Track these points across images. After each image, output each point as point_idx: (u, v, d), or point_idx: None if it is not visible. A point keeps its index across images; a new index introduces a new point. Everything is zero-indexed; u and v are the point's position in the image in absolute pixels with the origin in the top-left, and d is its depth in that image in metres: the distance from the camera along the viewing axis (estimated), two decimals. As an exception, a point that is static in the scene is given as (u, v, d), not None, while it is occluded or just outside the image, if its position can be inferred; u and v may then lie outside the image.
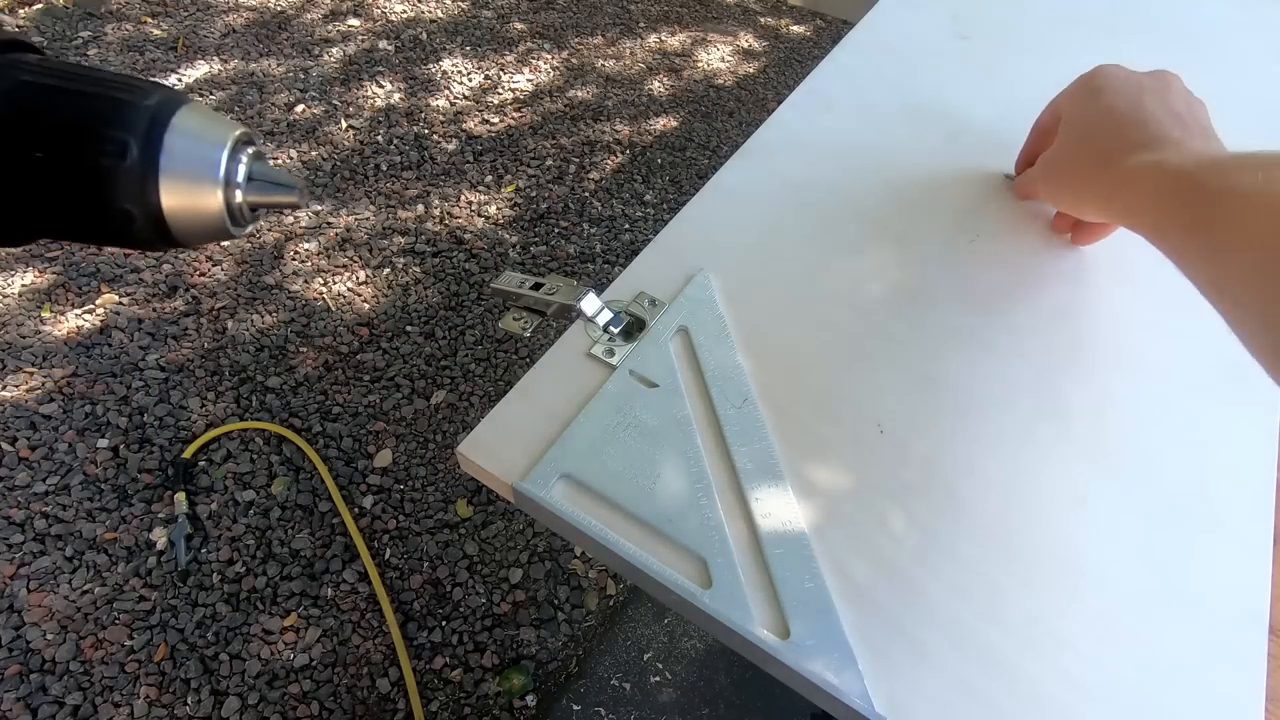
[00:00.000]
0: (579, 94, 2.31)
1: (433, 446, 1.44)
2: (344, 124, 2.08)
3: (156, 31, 2.29)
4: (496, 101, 2.23)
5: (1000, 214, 0.62)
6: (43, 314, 1.56)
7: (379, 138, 2.05)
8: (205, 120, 0.18)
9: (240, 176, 0.19)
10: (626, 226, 1.92)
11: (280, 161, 1.94)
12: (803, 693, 0.39)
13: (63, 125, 0.17)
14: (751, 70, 2.54)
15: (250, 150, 0.20)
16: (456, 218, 1.88)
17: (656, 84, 2.41)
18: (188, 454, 1.36)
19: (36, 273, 1.63)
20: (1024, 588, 0.41)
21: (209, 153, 0.18)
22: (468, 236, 1.83)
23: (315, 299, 1.66)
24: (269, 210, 0.20)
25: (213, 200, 0.18)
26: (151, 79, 0.18)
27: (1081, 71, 0.56)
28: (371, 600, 1.23)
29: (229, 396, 1.47)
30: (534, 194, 1.97)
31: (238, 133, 0.19)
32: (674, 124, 2.26)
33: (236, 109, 2.06)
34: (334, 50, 2.32)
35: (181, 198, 0.18)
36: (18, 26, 2.22)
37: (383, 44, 2.38)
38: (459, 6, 2.62)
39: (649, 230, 1.92)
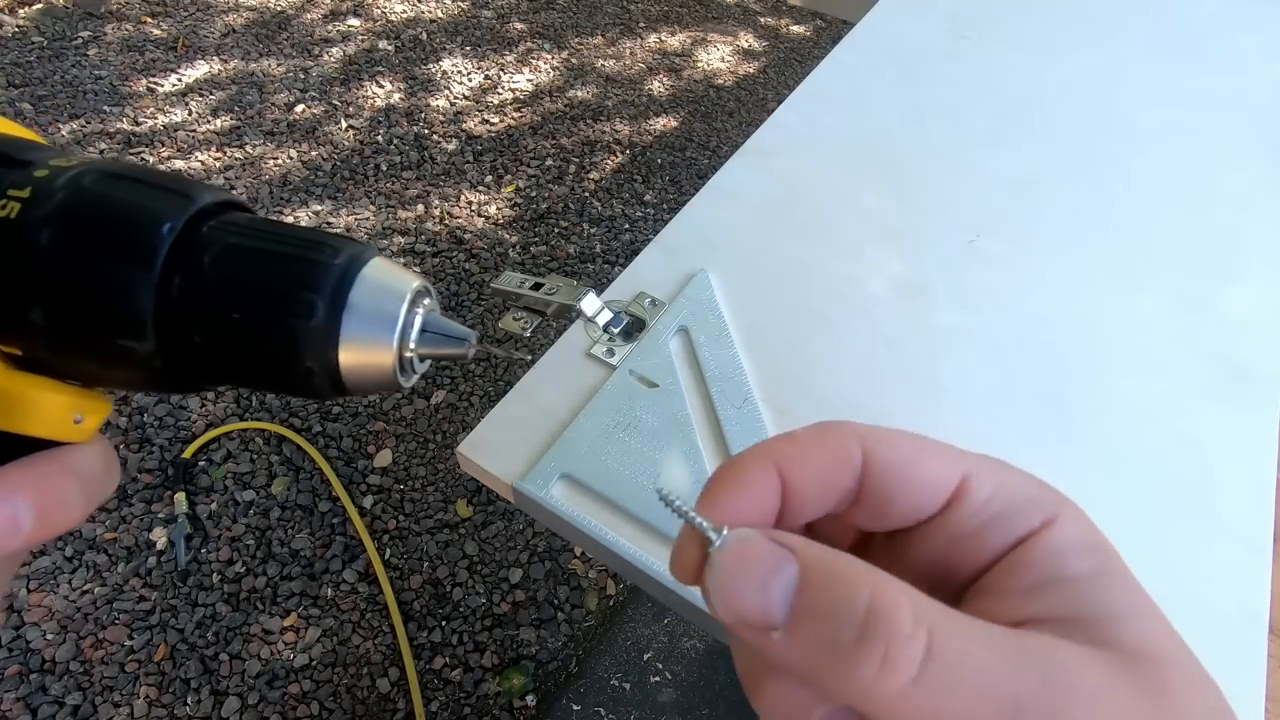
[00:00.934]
0: (579, 94, 2.31)
1: (433, 446, 1.44)
2: (344, 124, 2.08)
3: (156, 31, 2.29)
4: (496, 101, 2.23)
5: (1000, 214, 0.62)
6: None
7: (379, 138, 2.05)
8: (387, 275, 0.19)
9: (415, 330, 0.20)
10: (626, 226, 1.92)
11: (280, 162, 1.94)
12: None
13: (260, 288, 0.18)
14: (751, 70, 2.54)
15: (426, 302, 0.20)
16: (456, 218, 1.88)
17: (656, 84, 2.41)
18: (188, 454, 1.35)
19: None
20: (1024, 588, 0.41)
21: (388, 309, 0.19)
22: (468, 236, 1.83)
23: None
24: (441, 360, 0.21)
25: (387, 356, 0.19)
26: (341, 234, 0.19)
27: (1081, 71, 0.56)
28: (371, 600, 1.23)
29: (229, 396, 1.47)
30: (534, 194, 1.97)
31: (416, 285, 0.20)
32: (674, 124, 2.26)
33: (236, 109, 2.06)
34: (334, 50, 2.32)
35: (359, 354, 0.19)
36: (17, 27, 2.22)
37: (383, 44, 2.38)
38: (459, 6, 2.62)
39: (649, 230, 1.92)
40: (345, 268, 0.18)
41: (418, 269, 1.74)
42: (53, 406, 0.18)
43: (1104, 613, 0.17)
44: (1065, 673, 0.14)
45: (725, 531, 0.17)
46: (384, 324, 0.19)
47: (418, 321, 0.20)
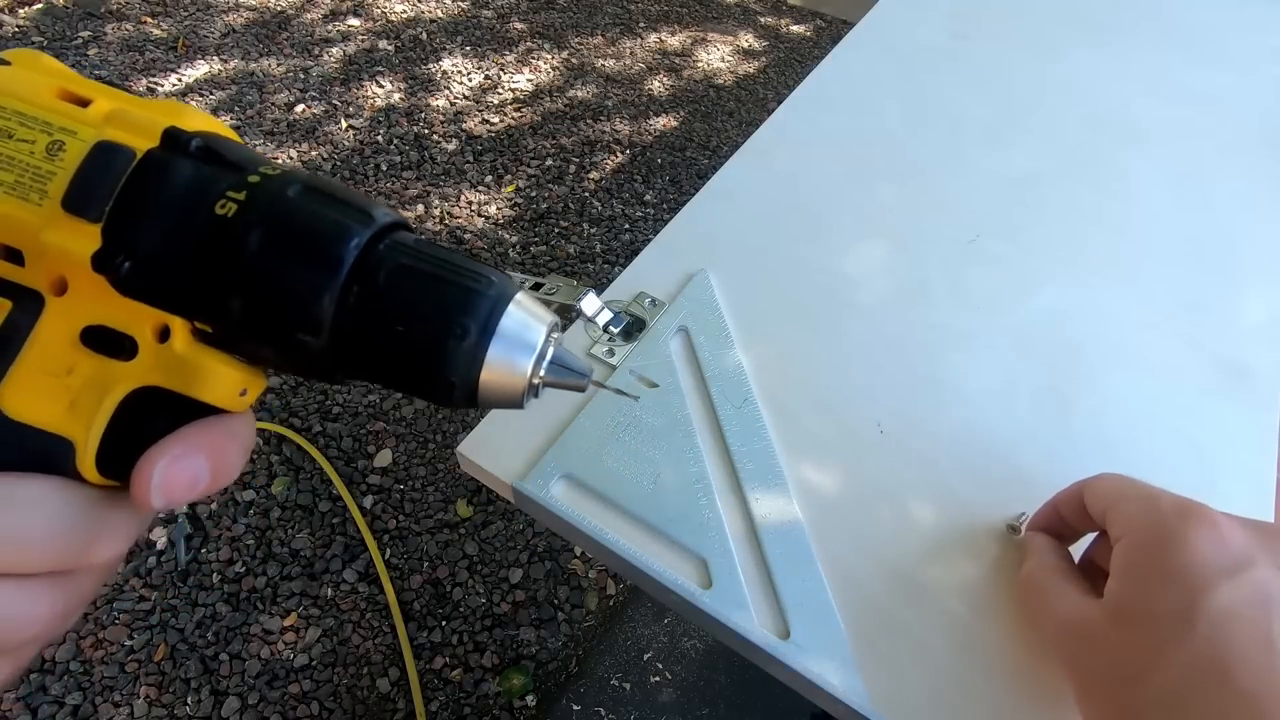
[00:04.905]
0: (579, 94, 2.31)
1: (433, 446, 1.44)
2: (344, 124, 2.08)
3: (156, 31, 2.29)
4: (496, 101, 2.23)
5: (1000, 214, 0.62)
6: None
7: (379, 138, 2.05)
8: (529, 309, 0.22)
9: (546, 360, 0.23)
10: (626, 226, 1.92)
11: (281, 162, 1.94)
12: (802, 692, 0.39)
13: (424, 307, 0.20)
14: (751, 70, 2.54)
15: (556, 336, 0.23)
16: (456, 218, 1.88)
17: (656, 84, 2.41)
18: (188, 454, 1.36)
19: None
20: (1024, 588, 0.41)
21: (527, 339, 0.21)
22: (468, 236, 1.83)
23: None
24: (561, 389, 0.24)
25: (521, 381, 0.22)
26: (489, 268, 0.22)
27: (1081, 71, 0.56)
28: (371, 600, 1.23)
29: (229, 396, 1.47)
30: (534, 194, 1.97)
31: (550, 321, 0.22)
32: (674, 124, 2.26)
33: (236, 109, 2.06)
34: (334, 50, 2.32)
35: (497, 376, 0.21)
36: (18, 27, 2.22)
37: (383, 44, 2.38)
38: (459, 6, 2.62)
39: (649, 230, 1.92)
40: (496, 299, 0.21)
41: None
42: (227, 379, 0.21)
43: None
44: None
45: None
46: (523, 352, 0.21)
47: (549, 353, 0.23)
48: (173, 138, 0.20)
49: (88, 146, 0.19)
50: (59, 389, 0.20)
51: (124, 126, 0.20)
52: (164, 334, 0.21)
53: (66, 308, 0.20)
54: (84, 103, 0.20)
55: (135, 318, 0.20)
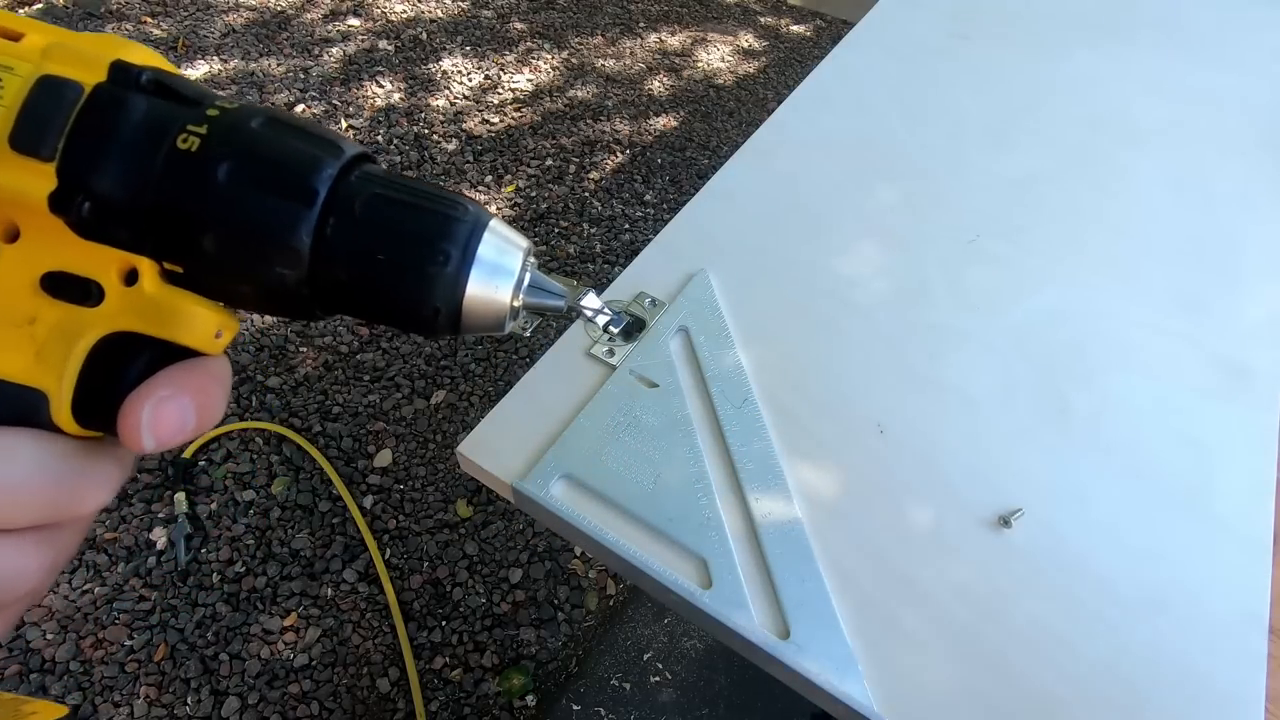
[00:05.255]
0: (579, 94, 2.31)
1: (433, 446, 1.44)
2: (344, 124, 2.08)
3: (157, 31, 2.29)
4: (496, 101, 2.23)
5: (1000, 214, 0.62)
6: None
7: (379, 137, 2.05)
8: (505, 234, 0.22)
9: (525, 283, 0.23)
10: (626, 226, 1.92)
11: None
12: (802, 692, 0.39)
13: (404, 234, 0.20)
14: (751, 70, 2.54)
15: (532, 260, 0.24)
16: (456, 218, 1.88)
17: (656, 84, 2.41)
18: (188, 454, 1.35)
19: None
20: (1024, 587, 0.41)
21: (507, 263, 0.22)
22: (468, 236, 1.83)
23: (315, 299, 1.66)
24: (540, 311, 0.25)
25: (503, 303, 0.22)
26: (463, 195, 0.22)
27: (1081, 71, 0.56)
28: (371, 600, 1.23)
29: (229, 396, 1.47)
30: (534, 194, 1.97)
31: (526, 245, 0.23)
32: (674, 124, 2.26)
33: (236, 109, 2.07)
34: (334, 50, 2.32)
35: (480, 299, 0.21)
36: (18, 26, 2.22)
37: (383, 44, 2.38)
38: (459, 6, 2.62)
39: (649, 230, 1.92)
40: (474, 225, 0.21)
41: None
42: (202, 321, 0.21)
43: None
44: None
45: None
46: (503, 275, 0.22)
47: (527, 277, 0.23)
48: (122, 71, 0.19)
49: (29, 82, 0.18)
50: (22, 339, 0.19)
51: (65, 61, 0.19)
52: (131, 276, 0.20)
53: (21, 254, 0.19)
54: (14, 37, 0.19)
55: (98, 261, 0.20)
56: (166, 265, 0.20)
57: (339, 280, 0.20)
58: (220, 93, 0.24)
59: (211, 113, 0.20)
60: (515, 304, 0.23)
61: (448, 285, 0.21)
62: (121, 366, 0.20)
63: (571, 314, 0.46)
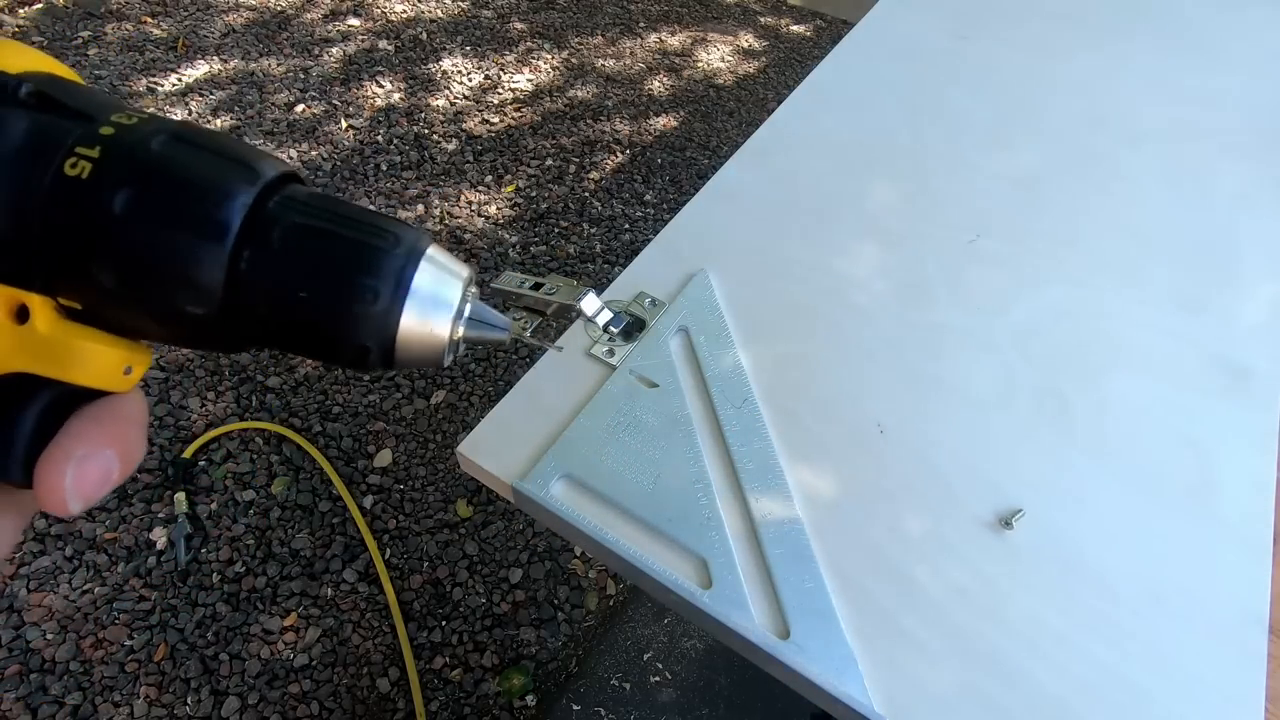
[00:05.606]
0: (579, 94, 2.31)
1: (433, 446, 1.44)
2: (344, 124, 2.08)
3: (156, 31, 2.29)
4: (496, 101, 2.23)
5: (1000, 214, 0.62)
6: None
7: (379, 137, 2.05)
8: (443, 263, 0.20)
9: (465, 316, 0.21)
10: (626, 226, 1.92)
11: (288, 157, 1.94)
12: (802, 692, 0.39)
13: (327, 271, 0.18)
14: (751, 70, 2.54)
15: (473, 291, 0.22)
16: (456, 218, 1.88)
17: (656, 84, 2.41)
18: (188, 454, 1.35)
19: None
20: (1024, 588, 0.41)
21: (444, 296, 0.20)
22: (468, 236, 1.83)
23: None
24: (481, 345, 0.22)
25: (440, 339, 0.20)
26: (396, 220, 0.20)
27: (1081, 71, 0.56)
28: (371, 600, 1.23)
29: (229, 396, 1.47)
30: (534, 194, 1.97)
31: (466, 275, 0.21)
32: (674, 124, 2.26)
33: (236, 109, 2.06)
34: (334, 50, 2.32)
35: (414, 337, 0.19)
36: (18, 27, 2.22)
37: (383, 44, 2.38)
38: (459, 6, 2.62)
39: (649, 230, 1.92)
40: (407, 256, 0.19)
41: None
42: (106, 359, 0.19)
43: None
44: None
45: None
46: (440, 310, 0.20)
47: (467, 309, 0.21)
48: None
49: None
50: None
51: None
52: (21, 314, 0.18)
53: None
54: None
55: None
56: (62, 301, 0.18)
57: (259, 316, 0.19)
58: (139, 103, 0.22)
59: (106, 131, 0.18)
60: (455, 337, 0.21)
61: (377, 324, 0.19)
62: (19, 410, 0.18)
63: (573, 315, 0.46)
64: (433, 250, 0.20)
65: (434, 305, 0.20)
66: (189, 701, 1.12)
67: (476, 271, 0.20)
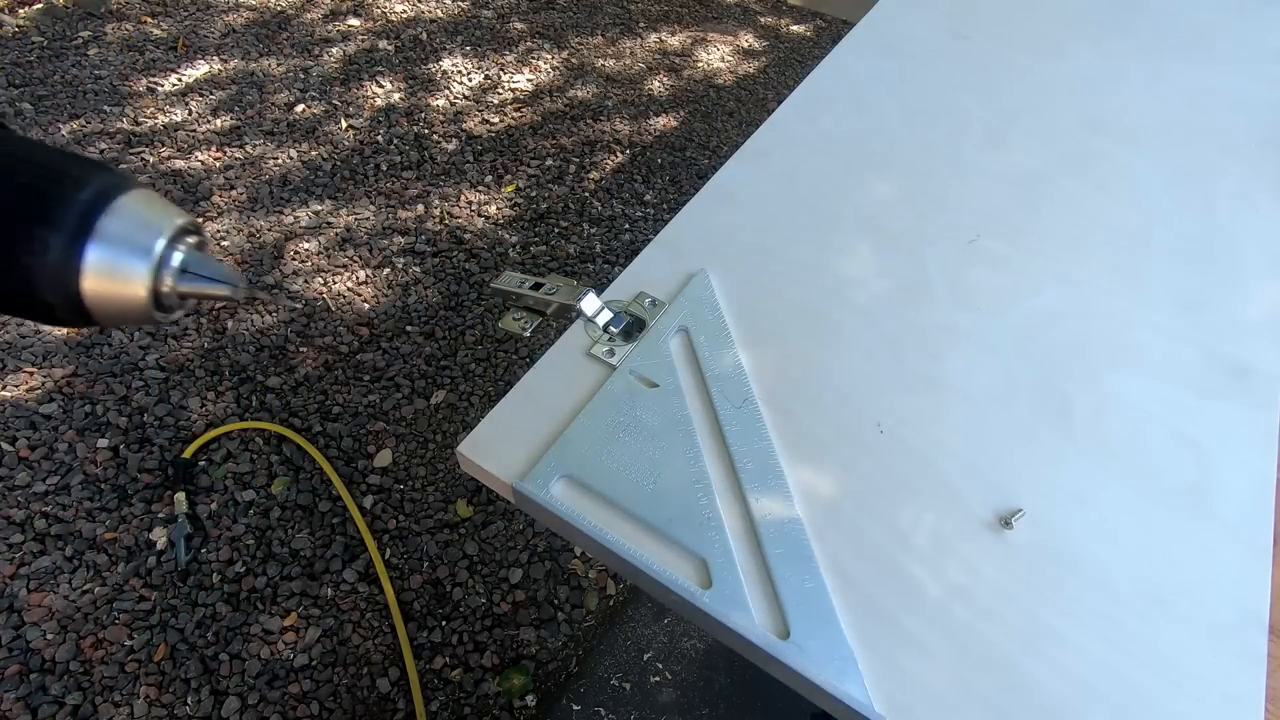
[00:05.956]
0: (579, 94, 2.31)
1: (433, 446, 1.44)
2: (344, 124, 2.08)
3: (156, 31, 2.29)
4: (496, 101, 2.23)
5: (1000, 214, 0.62)
6: (43, 314, 1.55)
7: (379, 137, 2.05)
8: (144, 210, 0.18)
9: (172, 266, 0.19)
10: (626, 226, 1.92)
11: (281, 162, 1.94)
12: (803, 692, 0.39)
13: None
14: (751, 70, 2.54)
15: (190, 240, 0.19)
16: (456, 217, 1.88)
17: (656, 84, 2.41)
18: (188, 454, 1.35)
19: (36, 273, 1.62)
20: (1024, 588, 0.41)
21: (141, 243, 0.18)
22: (468, 236, 1.83)
23: (315, 298, 1.66)
24: (204, 300, 0.20)
25: (138, 291, 0.18)
26: (101, 161, 0.17)
27: (1081, 71, 0.56)
28: (371, 600, 1.23)
29: (229, 396, 1.47)
30: (534, 194, 1.97)
31: (178, 223, 0.18)
32: (674, 124, 2.26)
33: (236, 109, 2.06)
34: (334, 50, 2.32)
35: (105, 288, 0.17)
36: (18, 27, 2.22)
37: (383, 44, 2.38)
38: (459, 6, 2.62)
39: (649, 230, 1.92)
40: (91, 201, 0.17)
41: (417, 268, 1.74)
42: None
43: None
44: None
45: None
46: (136, 259, 0.18)
47: (177, 259, 0.19)
48: None
49: None
50: None
51: None
52: None
53: None
54: None
55: None
56: None
57: None
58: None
59: None
60: (165, 289, 0.19)
61: (53, 276, 0.17)
62: None
63: (573, 315, 0.46)
64: (131, 196, 0.18)
65: (127, 253, 0.18)
66: (189, 701, 1.12)
67: (196, 222, 0.18)
